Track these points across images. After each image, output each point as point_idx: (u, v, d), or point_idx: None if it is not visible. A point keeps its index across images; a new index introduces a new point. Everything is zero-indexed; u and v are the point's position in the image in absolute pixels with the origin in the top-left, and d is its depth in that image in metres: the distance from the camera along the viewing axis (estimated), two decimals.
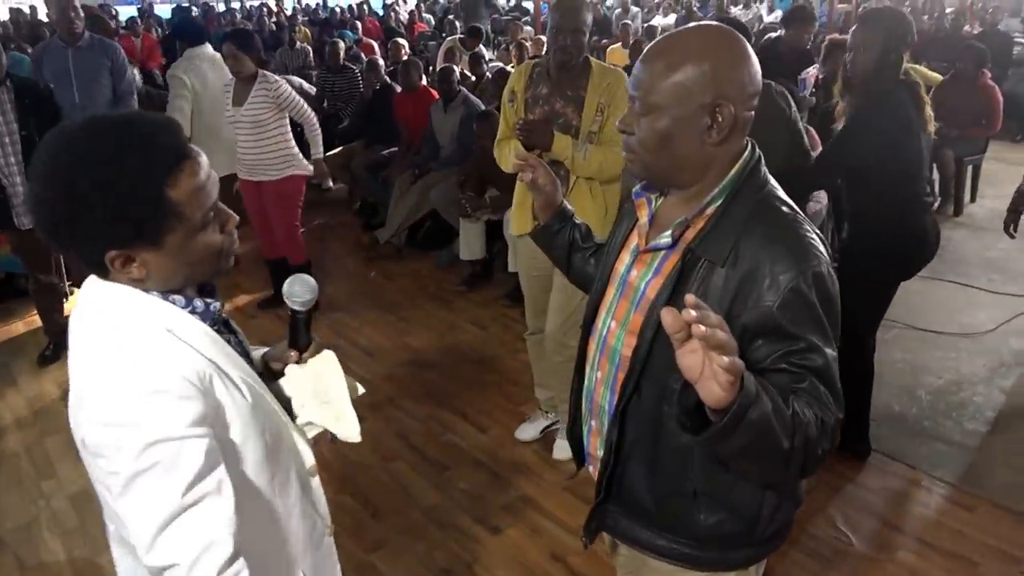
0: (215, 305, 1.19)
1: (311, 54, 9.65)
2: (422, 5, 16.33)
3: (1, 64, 3.47)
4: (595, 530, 1.52)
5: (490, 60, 8.54)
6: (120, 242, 1.06)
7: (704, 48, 1.22)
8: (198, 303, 1.17)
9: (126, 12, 15.96)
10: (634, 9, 13.60)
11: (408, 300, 4.88)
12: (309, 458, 1.35)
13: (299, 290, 1.37)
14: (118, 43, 4.94)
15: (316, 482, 1.39)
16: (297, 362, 1.37)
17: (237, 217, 1.20)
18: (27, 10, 15.36)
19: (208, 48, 5.01)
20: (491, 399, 3.72)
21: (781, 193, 1.30)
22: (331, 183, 7.20)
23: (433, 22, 13.67)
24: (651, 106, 1.23)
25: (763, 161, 1.30)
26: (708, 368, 0.95)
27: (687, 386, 1.01)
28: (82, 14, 4.56)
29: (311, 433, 1.39)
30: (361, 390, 1.46)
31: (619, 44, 8.75)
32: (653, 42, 1.28)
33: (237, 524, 1.09)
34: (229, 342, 1.22)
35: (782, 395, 1.09)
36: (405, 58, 6.94)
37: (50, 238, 1.07)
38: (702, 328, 0.91)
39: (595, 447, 1.49)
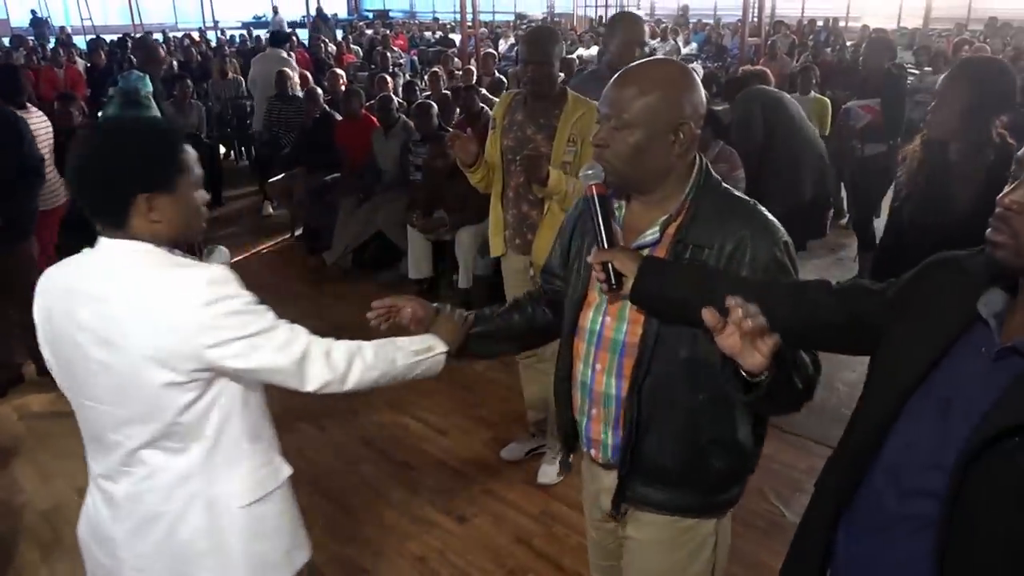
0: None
1: (244, 84, 9.72)
2: (349, 37, 16.52)
3: None
4: (619, 504, 1.69)
5: (423, 90, 8.84)
6: (153, 185, 1.44)
7: (667, 77, 1.49)
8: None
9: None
10: None
11: (359, 319, 5.00)
12: None
13: (219, 256, 1.66)
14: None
15: None
16: None
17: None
18: None
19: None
20: (446, 405, 3.93)
21: (729, 186, 1.59)
22: (271, 209, 7.33)
23: (361, 53, 13.86)
24: (625, 123, 1.46)
25: (711, 165, 1.59)
26: (748, 345, 1.20)
27: (726, 358, 1.26)
28: None
29: None
30: None
31: None
32: (624, 69, 1.53)
33: None
34: None
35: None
36: (344, 87, 7.15)
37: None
38: (749, 322, 1.17)
39: (598, 432, 1.67)
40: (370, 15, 30.60)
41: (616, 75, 1.52)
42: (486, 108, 6.20)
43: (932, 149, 2.56)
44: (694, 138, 1.49)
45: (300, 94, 7.15)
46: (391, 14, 30.64)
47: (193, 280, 1.42)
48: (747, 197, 1.57)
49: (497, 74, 9.09)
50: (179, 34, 18.16)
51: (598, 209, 1.51)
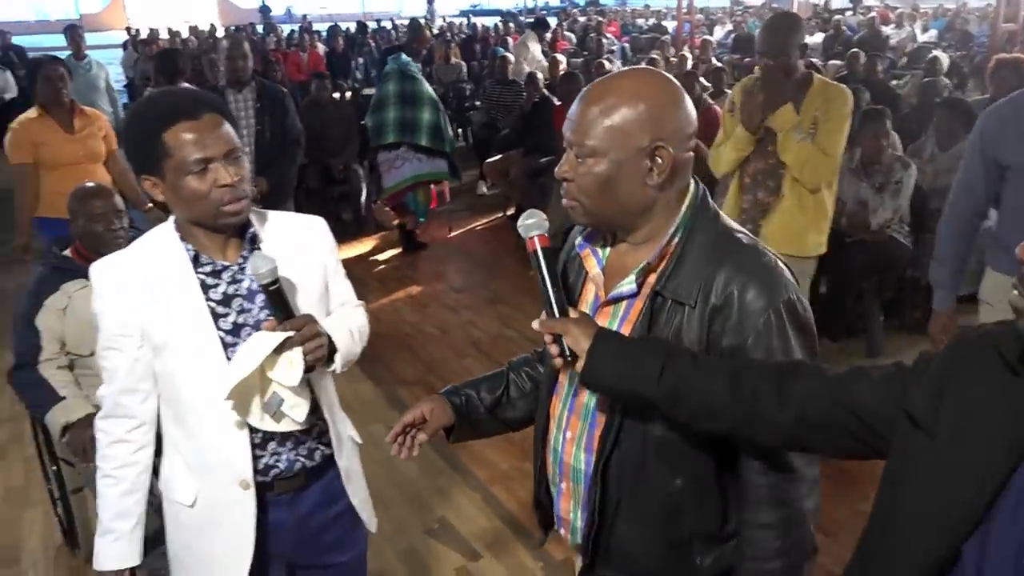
0: (192, 252, 1.47)
1: (464, 69, 10.21)
2: (563, 24, 16.78)
3: (248, 67, 4.04)
4: None
5: None
6: (142, 167, 1.42)
7: (638, 91, 1.20)
8: (190, 248, 1.47)
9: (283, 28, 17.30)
10: None
11: None
12: (238, 413, 1.46)
13: (258, 264, 1.40)
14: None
15: (243, 435, 1.50)
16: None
17: (233, 178, 1.40)
18: (205, 26, 16.86)
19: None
20: None
21: (733, 223, 1.30)
22: (485, 188, 7.66)
23: (574, 39, 14.03)
24: (589, 150, 1.21)
25: (709, 194, 1.30)
26: None
27: None
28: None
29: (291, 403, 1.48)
30: (294, 381, 1.43)
31: None
32: (589, 85, 1.27)
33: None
34: (214, 286, 1.48)
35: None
36: (563, 72, 7.30)
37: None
38: None
39: (567, 510, 1.42)
40: (581, 2, 30.85)
41: (581, 92, 1.26)
42: (705, 96, 6.14)
43: None
44: (677, 163, 1.21)
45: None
46: (602, 1, 30.71)
47: (93, 269, 1.50)
48: (754, 239, 1.28)
49: (714, 61, 8.89)
50: (404, 22, 19.35)
51: (543, 266, 1.24)
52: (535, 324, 1.23)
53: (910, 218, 4.20)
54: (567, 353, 1.18)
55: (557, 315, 1.22)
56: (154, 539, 1.95)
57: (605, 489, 1.30)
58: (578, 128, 1.22)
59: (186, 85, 4.84)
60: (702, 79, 6.93)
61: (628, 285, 1.25)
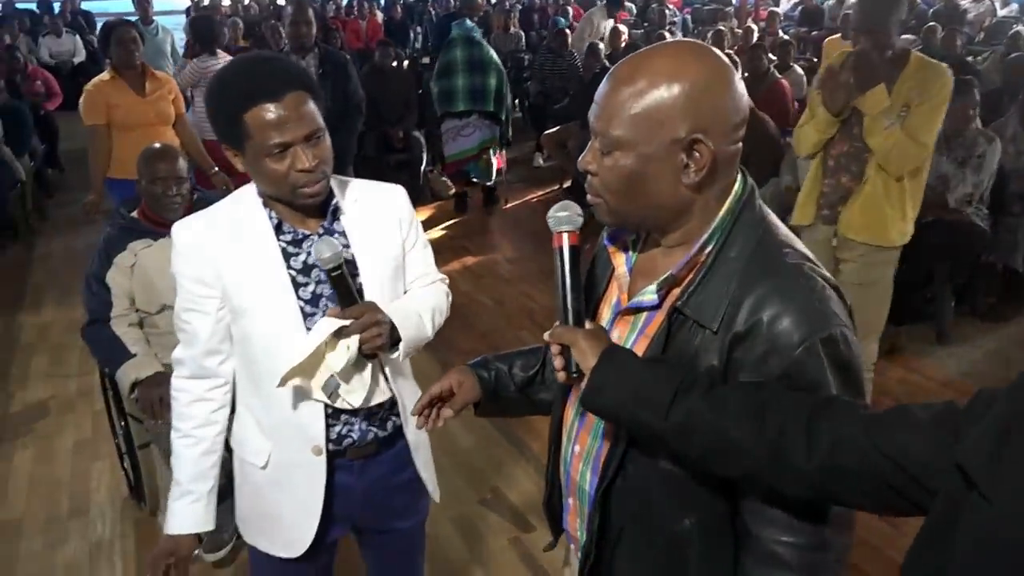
0: (275, 221, 1.46)
1: (523, 38, 10.10)
2: None
3: (311, 33, 4.04)
4: None
5: None
6: (223, 140, 1.41)
7: (676, 71, 1.00)
8: (273, 216, 1.47)
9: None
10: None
11: None
12: (309, 382, 1.45)
13: (321, 249, 1.39)
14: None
15: (318, 405, 1.51)
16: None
17: (311, 163, 1.36)
18: None
19: None
20: None
21: (783, 231, 1.10)
22: (542, 160, 7.60)
23: (635, 10, 13.75)
24: (614, 141, 1.03)
25: (757, 192, 1.11)
26: None
27: None
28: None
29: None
30: (337, 367, 1.42)
31: (839, 36, 8.48)
32: (617, 64, 1.07)
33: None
34: (295, 255, 1.48)
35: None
36: (624, 43, 7.18)
37: None
38: None
39: (574, 528, 1.29)
40: None
41: (610, 71, 1.07)
42: (772, 69, 5.95)
43: None
44: (719, 159, 1.02)
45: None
46: None
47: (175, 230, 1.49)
48: (802, 257, 1.06)
49: (781, 34, 8.62)
50: None
51: (566, 268, 1.11)
52: (546, 335, 1.11)
53: (989, 199, 4.03)
54: (572, 368, 1.06)
55: (571, 324, 1.09)
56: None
57: (606, 518, 1.16)
58: (603, 114, 1.04)
59: (221, 53, 4.91)
60: (769, 53, 6.73)
61: (649, 295, 1.09)
